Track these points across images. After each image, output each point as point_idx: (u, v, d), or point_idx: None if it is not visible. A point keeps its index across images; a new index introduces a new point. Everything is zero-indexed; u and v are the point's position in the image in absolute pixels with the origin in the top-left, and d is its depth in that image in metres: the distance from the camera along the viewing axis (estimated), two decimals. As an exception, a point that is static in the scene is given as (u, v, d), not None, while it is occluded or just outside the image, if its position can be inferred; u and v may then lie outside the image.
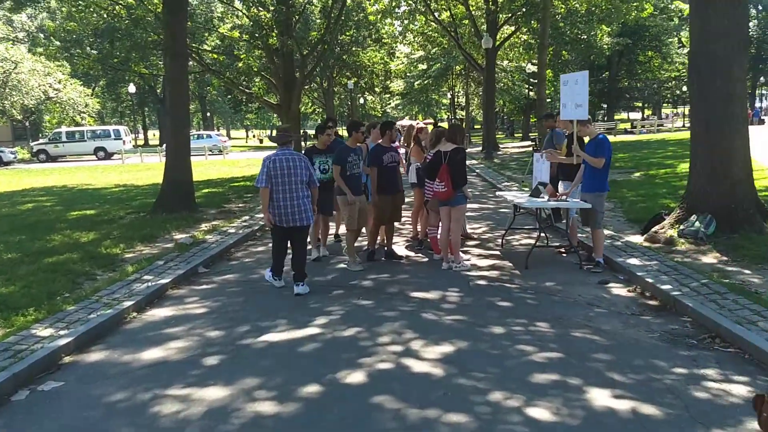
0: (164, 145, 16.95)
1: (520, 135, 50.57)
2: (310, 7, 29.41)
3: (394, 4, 28.76)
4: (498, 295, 6.56)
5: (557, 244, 8.85)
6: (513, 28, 30.97)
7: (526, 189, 11.32)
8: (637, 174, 16.27)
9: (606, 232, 8.38)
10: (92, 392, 4.47)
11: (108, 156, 39.56)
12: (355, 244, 8.17)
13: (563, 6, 28.97)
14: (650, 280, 6.49)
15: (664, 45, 50.91)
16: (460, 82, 50.69)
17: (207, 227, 10.85)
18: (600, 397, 4.09)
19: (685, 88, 54.47)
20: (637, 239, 8.59)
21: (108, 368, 4.93)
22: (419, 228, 9.15)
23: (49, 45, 30.87)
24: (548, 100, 31.16)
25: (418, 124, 10.50)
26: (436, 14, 30.61)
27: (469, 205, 8.72)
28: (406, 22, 31.42)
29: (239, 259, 8.84)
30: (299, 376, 4.57)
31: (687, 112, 58.57)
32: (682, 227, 8.28)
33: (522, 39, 33.57)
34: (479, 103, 49.67)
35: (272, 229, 6.95)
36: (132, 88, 46.17)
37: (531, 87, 46.04)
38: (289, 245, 7.01)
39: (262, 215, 7.03)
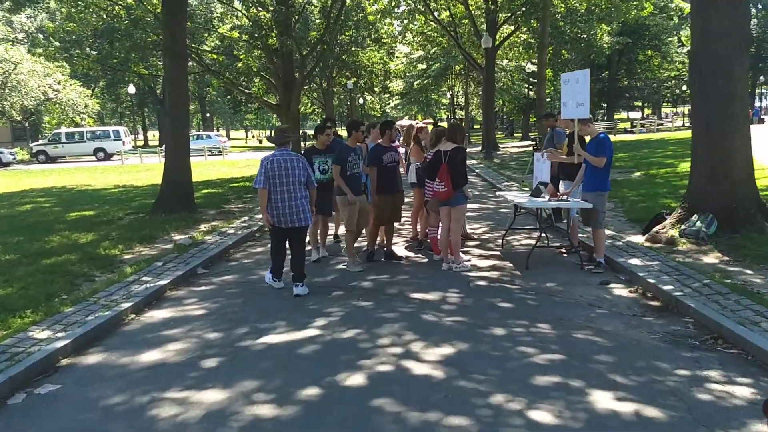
0: (164, 146, 16.91)
1: (520, 134, 50.56)
2: (309, 7, 29.40)
3: (393, 3, 28.73)
4: (498, 296, 6.52)
5: (558, 244, 8.81)
6: (512, 28, 30.93)
7: (527, 189, 11.29)
8: (638, 173, 16.24)
9: (607, 232, 8.34)
10: (90, 395, 4.43)
11: (107, 157, 39.50)
12: (355, 245, 8.13)
13: (563, 5, 28.94)
14: (652, 281, 6.45)
15: (663, 44, 50.95)
16: (459, 82, 50.69)
17: (206, 228, 10.82)
18: (602, 400, 4.05)
19: (684, 88, 54.52)
20: (638, 239, 8.56)
21: (106, 371, 4.89)
22: (419, 228, 9.11)
23: (49, 45, 30.75)
24: (548, 99, 31.10)
25: (417, 124, 10.46)
26: (436, 14, 30.59)
27: (469, 206, 8.67)
28: (405, 21, 31.37)
29: (238, 260, 8.80)
30: (298, 379, 4.53)
31: (687, 112, 58.63)
32: (683, 227, 8.24)
33: (522, 38, 33.53)
34: (479, 102, 49.64)
35: (271, 229, 6.92)
36: (131, 89, 46.14)
37: (531, 86, 46.02)
38: (288, 246, 6.97)
39: (261, 216, 7.00)
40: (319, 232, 8.58)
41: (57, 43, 29.81)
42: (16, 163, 37.24)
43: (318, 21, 30.54)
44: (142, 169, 28.49)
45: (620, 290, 6.61)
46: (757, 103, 53.35)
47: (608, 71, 52.91)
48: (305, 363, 4.87)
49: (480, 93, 42.79)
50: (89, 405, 4.27)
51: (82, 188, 19.95)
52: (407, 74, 50.40)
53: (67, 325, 5.67)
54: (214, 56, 24.38)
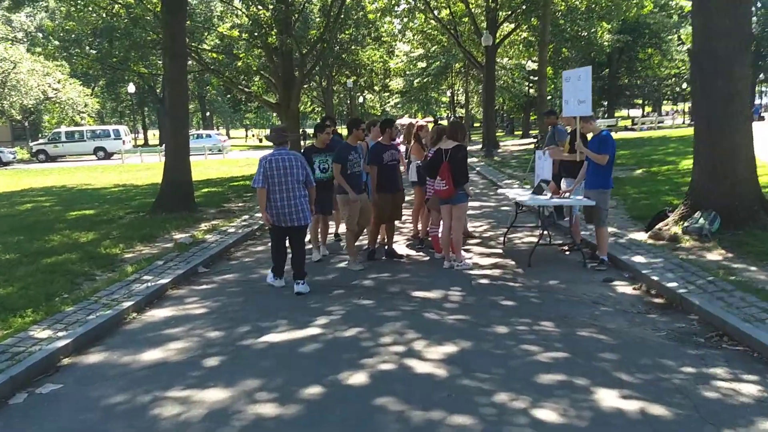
0: (164, 145, 16.88)
1: (520, 132, 50.49)
2: (309, 5, 29.30)
3: (393, 2, 28.64)
4: (501, 294, 6.49)
5: (560, 241, 8.78)
6: (513, 26, 30.86)
7: (528, 186, 11.26)
8: (639, 171, 16.21)
9: (609, 229, 8.30)
10: (91, 395, 4.40)
11: (108, 156, 39.48)
12: (356, 243, 8.09)
13: (563, 3, 28.88)
14: (656, 278, 6.42)
15: (664, 42, 50.87)
16: (459, 80, 50.60)
17: (207, 227, 10.78)
18: (607, 398, 4.01)
19: (685, 85, 54.50)
20: (641, 236, 8.52)
21: (107, 370, 4.86)
22: (420, 227, 9.08)
23: (48, 44, 30.73)
24: (548, 97, 31.07)
25: (417, 122, 10.43)
26: (436, 12, 30.50)
27: (469, 203, 8.63)
28: (405, 20, 31.32)
29: (239, 259, 8.77)
30: (300, 378, 4.50)
31: (687, 109, 58.57)
32: (686, 224, 8.21)
33: (522, 36, 33.46)
34: (479, 101, 49.58)
35: (270, 229, 6.89)
36: (131, 88, 46.02)
37: (531, 84, 46.01)
38: (288, 244, 6.94)
39: (261, 215, 6.99)
40: (319, 230, 8.54)
41: (56, 42, 29.77)
42: (16, 162, 37.23)
43: (318, 19, 30.47)
44: (143, 168, 28.46)
45: (624, 288, 6.58)
46: (757, 101, 53.23)
47: (608, 69, 52.84)
48: (307, 362, 4.84)
49: (480, 91, 42.74)
50: (90, 405, 4.25)
51: (82, 187, 19.92)
52: (407, 73, 50.31)
53: (68, 324, 5.64)
54: (214, 55, 24.31)
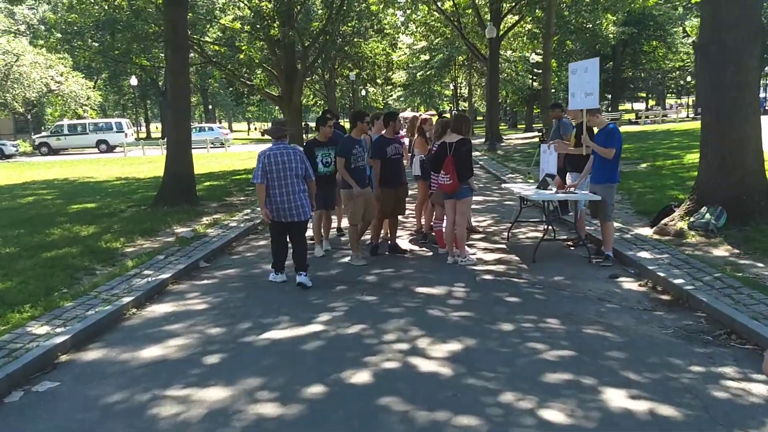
0: (166, 138, 16.82)
1: (523, 126, 50.26)
2: (311, -3, 29.15)
3: (396, -7, 28.51)
4: (505, 290, 6.40)
5: (565, 237, 8.68)
6: (517, 18, 30.65)
7: (532, 181, 11.16)
8: (644, 165, 16.08)
9: (614, 224, 8.20)
10: (89, 393, 4.33)
11: (110, 149, 39.42)
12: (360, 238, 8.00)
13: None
14: (662, 274, 6.33)
15: (668, 34, 50.55)
16: (462, 73, 50.36)
17: (208, 221, 10.71)
18: (615, 398, 3.93)
19: (689, 78, 54.19)
20: (647, 232, 8.42)
21: (106, 367, 4.78)
22: (423, 221, 8.99)
23: (50, 37, 30.62)
24: (552, 90, 30.89)
25: (421, 115, 10.32)
26: (439, 4, 30.30)
27: (473, 198, 8.54)
28: (408, 12, 31.15)
29: (241, 254, 8.69)
30: (302, 376, 4.42)
31: (692, 103, 58.24)
32: (692, 219, 8.12)
33: (526, 28, 33.25)
34: (482, 94, 49.35)
35: (270, 224, 6.81)
36: (134, 81, 45.99)
37: (535, 77, 45.75)
38: (289, 240, 6.87)
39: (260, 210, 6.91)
40: (322, 225, 8.45)
41: (59, 35, 29.64)
42: (18, 155, 37.23)
43: (320, 12, 30.30)
44: (145, 161, 28.40)
45: (630, 284, 6.48)
46: (762, 94, 52.94)
47: (612, 62, 52.54)
48: (309, 359, 4.76)
49: (483, 84, 42.53)
50: (88, 403, 4.17)
51: (84, 180, 19.86)
52: (410, 65, 50.08)
53: (66, 320, 5.57)
54: (216, 47, 24.22)
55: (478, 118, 61.92)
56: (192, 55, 18.99)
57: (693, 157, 15.02)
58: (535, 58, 41.17)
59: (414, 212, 9.55)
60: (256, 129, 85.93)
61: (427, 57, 48.09)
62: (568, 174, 8.31)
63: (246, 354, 4.92)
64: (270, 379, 4.40)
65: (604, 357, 4.58)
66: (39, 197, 15.29)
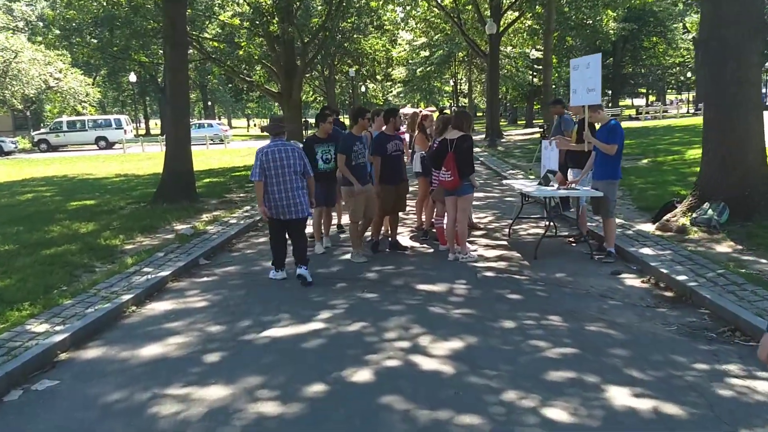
0: (165, 135, 16.77)
1: (523, 122, 50.17)
2: (311, -7, 29.05)
3: (396, -11, 28.42)
4: (507, 287, 6.36)
5: (566, 233, 8.65)
6: (517, 14, 30.56)
7: (533, 177, 11.12)
8: (645, 161, 16.04)
9: (617, 221, 8.17)
10: (88, 392, 4.30)
11: (109, 145, 39.36)
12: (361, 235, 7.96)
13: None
14: (665, 271, 6.29)
15: (669, 30, 50.48)
16: (462, 69, 50.27)
17: (208, 218, 10.67)
18: (619, 396, 3.89)
19: (690, 74, 54.09)
20: (649, 228, 8.39)
21: (105, 366, 4.75)
22: (424, 218, 8.95)
23: (49, 33, 30.57)
24: (552, 86, 30.83)
25: (422, 111, 10.27)
26: (439, 0, 30.22)
27: (474, 194, 8.50)
28: (408, 8, 31.06)
29: (241, 251, 8.65)
30: (303, 374, 4.38)
31: (692, 98, 58.16)
32: (694, 215, 8.08)
33: (526, 24, 33.16)
34: (482, 90, 49.26)
35: (269, 222, 6.77)
36: (133, 77, 45.90)
37: (535, 73, 45.67)
38: (288, 237, 6.83)
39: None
40: (323, 223, 8.40)
41: (57, 31, 29.57)
42: (17, 151, 37.14)
43: (320, 8, 30.22)
44: (144, 157, 28.34)
45: (632, 280, 6.45)
46: (764, 90, 52.84)
47: (613, 58, 52.41)
48: (310, 358, 4.72)
49: (483, 80, 42.44)
50: (88, 402, 4.14)
51: (83, 177, 19.81)
52: (410, 61, 49.96)
53: (66, 318, 5.54)
54: (215, 44, 24.15)
55: (478, 115, 61.83)
56: (191, 51, 18.94)
57: (694, 153, 15.00)
58: (536, 54, 41.12)
59: (415, 209, 9.51)
60: (255, 125, 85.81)
61: (427, 53, 48.00)
62: (569, 170, 8.27)
63: (246, 352, 4.89)
64: (270, 377, 4.37)
65: (607, 354, 4.55)
66: (38, 194, 15.24)
